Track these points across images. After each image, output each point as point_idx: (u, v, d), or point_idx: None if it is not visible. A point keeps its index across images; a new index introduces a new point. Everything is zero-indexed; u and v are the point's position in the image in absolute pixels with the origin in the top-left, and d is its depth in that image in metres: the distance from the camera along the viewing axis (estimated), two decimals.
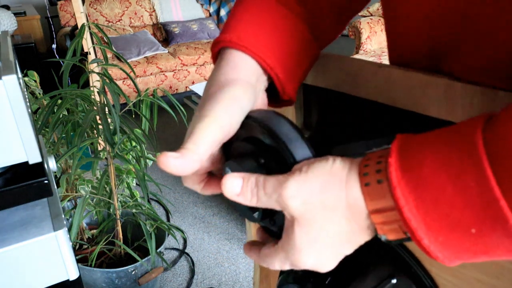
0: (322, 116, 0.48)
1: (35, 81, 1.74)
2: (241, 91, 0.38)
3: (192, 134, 0.36)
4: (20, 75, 0.74)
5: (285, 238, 0.34)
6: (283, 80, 0.41)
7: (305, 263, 0.33)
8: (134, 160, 1.50)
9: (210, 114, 0.36)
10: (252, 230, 0.68)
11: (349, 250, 0.34)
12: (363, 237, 0.33)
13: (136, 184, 1.61)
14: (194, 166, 0.36)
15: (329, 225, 0.32)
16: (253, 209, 0.37)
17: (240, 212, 0.39)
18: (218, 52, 0.43)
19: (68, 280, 0.69)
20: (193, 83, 3.69)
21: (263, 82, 0.42)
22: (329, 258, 0.34)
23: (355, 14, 0.51)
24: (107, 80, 1.33)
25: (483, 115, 0.27)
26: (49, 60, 1.53)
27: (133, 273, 1.57)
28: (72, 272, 0.69)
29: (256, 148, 0.36)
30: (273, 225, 0.38)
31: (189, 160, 0.35)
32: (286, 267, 0.35)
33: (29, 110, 0.68)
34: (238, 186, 0.35)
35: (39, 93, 1.71)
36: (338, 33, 0.51)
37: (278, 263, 0.35)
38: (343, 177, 0.31)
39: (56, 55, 2.96)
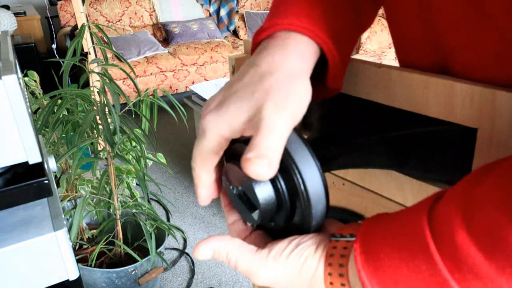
0: (322, 116, 0.48)
1: (35, 81, 1.74)
2: (309, 85, 0.35)
3: (269, 130, 0.31)
4: (20, 75, 0.74)
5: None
6: (339, 69, 0.39)
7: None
8: (134, 160, 1.50)
9: (288, 107, 0.32)
10: None
11: None
12: None
13: (136, 184, 1.61)
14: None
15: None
16: (251, 209, 0.37)
17: (239, 212, 0.39)
18: (264, 38, 0.39)
19: (68, 280, 0.69)
20: (193, 83, 3.69)
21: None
22: None
23: (362, 32, 0.49)
24: (107, 80, 1.33)
25: (431, 197, 0.30)
26: (49, 60, 1.53)
27: (133, 273, 1.57)
28: (72, 272, 0.69)
29: None
30: (272, 225, 0.38)
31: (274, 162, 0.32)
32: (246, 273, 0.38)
33: (29, 110, 0.68)
34: (208, 255, 0.37)
35: (39, 93, 1.71)
36: (375, 15, 0.50)
37: (244, 267, 0.37)
38: (310, 276, 0.34)
39: (56, 55, 2.96)
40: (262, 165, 0.30)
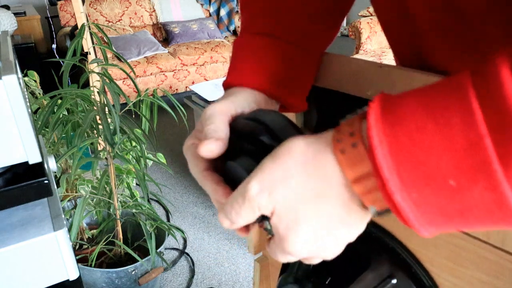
0: (322, 116, 0.48)
1: (35, 81, 1.74)
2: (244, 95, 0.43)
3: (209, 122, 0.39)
4: (20, 75, 0.74)
5: (274, 231, 0.33)
6: (290, 103, 0.45)
7: (295, 250, 0.32)
8: (134, 160, 1.50)
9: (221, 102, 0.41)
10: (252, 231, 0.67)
11: (346, 234, 0.31)
12: (355, 215, 0.30)
13: (136, 184, 1.61)
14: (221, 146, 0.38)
15: (305, 208, 0.30)
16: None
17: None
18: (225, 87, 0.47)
19: (68, 280, 0.69)
20: (193, 83, 3.69)
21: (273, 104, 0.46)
22: (321, 242, 0.31)
23: (343, 16, 0.51)
24: (107, 80, 1.33)
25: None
26: (49, 60, 1.53)
27: (133, 273, 1.57)
28: (72, 272, 0.69)
29: (256, 148, 0.36)
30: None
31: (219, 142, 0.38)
32: (288, 258, 0.34)
33: (29, 110, 0.68)
34: (224, 219, 0.35)
35: (39, 93, 1.71)
36: (332, 37, 0.51)
37: (279, 255, 0.34)
38: (309, 154, 0.29)
39: (56, 55, 2.96)
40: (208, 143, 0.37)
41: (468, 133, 0.23)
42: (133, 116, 1.44)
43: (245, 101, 0.42)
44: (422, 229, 0.26)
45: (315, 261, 0.34)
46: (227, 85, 0.46)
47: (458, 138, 0.23)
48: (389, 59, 3.44)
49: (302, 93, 0.47)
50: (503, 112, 0.21)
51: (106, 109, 1.32)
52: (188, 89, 3.65)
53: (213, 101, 0.45)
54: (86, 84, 1.54)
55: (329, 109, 0.49)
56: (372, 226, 0.46)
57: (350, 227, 0.31)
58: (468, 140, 0.23)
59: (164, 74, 3.59)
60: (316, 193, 0.29)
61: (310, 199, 0.30)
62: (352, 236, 0.32)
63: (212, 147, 0.37)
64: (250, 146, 0.37)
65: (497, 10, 0.33)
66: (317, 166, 0.29)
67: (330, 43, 0.51)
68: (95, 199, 1.57)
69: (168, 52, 3.73)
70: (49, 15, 3.51)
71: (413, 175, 0.24)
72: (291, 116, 0.54)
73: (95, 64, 1.38)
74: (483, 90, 0.23)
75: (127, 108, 1.44)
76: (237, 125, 0.39)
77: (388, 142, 0.25)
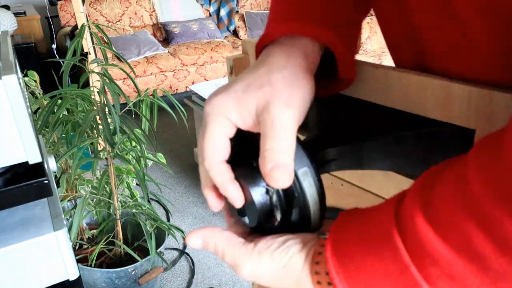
0: (319, 117, 0.48)
1: (35, 81, 1.74)
2: (313, 82, 0.37)
3: (279, 132, 0.32)
4: (20, 75, 0.75)
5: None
6: (347, 59, 0.40)
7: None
8: (134, 160, 1.50)
9: (293, 105, 0.33)
10: None
11: None
12: None
13: (136, 184, 1.61)
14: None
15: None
16: (241, 214, 0.37)
17: (237, 214, 0.39)
18: (267, 43, 0.40)
19: (68, 280, 0.69)
20: (193, 83, 3.69)
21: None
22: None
23: None
24: (107, 80, 1.33)
25: (400, 193, 0.32)
26: (49, 60, 1.54)
27: (133, 273, 1.57)
28: (72, 272, 0.69)
29: (251, 151, 0.36)
30: (270, 227, 0.38)
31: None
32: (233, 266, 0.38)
33: (29, 110, 0.68)
34: (198, 244, 0.38)
35: (39, 93, 1.71)
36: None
37: (229, 259, 0.37)
38: (296, 275, 0.34)
39: (56, 55, 2.96)
40: (284, 174, 0.32)
41: (397, 263, 0.29)
42: (133, 116, 1.44)
43: (281, 69, 0.35)
44: None
45: None
46: (267, 39, 0.39)
47: (391, 268, 0.29)
48: (389, 59, 3.44)
49: (353, 53, 0.42)
50: (419, 247, 0.27)
51: (106, 109, 1.32)
52: (188, 89, 3.65)
53: (219, 88, 0.36)
54: (86, 84, 1.54)
55: (326, 110, 0.49)
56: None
57: None
58: (398, 269, 0.28)
59: (164, 74, 3.59)
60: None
61: None
62: None
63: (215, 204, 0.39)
64: (245, 150, 0.36)
65: (491, 12, 0.34)
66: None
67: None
68: (95, 199, 1.57)
69: (168, 52, 3.73)
70: (49, 15, 3.51)
71: None
72: None
73: (95, 64, 1.38)
74: (403, 229, 0.29)
75: (127, 108, 1.44)
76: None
77: (342, 273, 0.31)
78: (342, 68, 0.40)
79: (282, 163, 0.32)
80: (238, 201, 0.36)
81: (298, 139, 0.35)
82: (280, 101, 0.33)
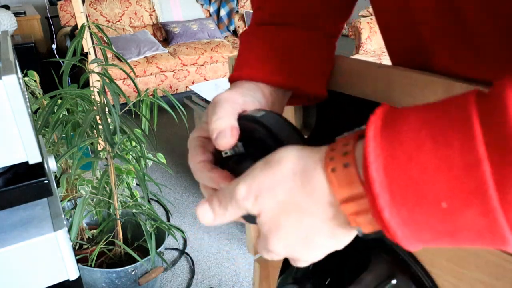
0: (321, 116, 0.48)
1: (35, 81, 1.74)
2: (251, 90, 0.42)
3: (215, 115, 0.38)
4: (20, 75, 0.74)
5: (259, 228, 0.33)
6: (307, 91, 0.44)
7: (276, 250, 0.32)
8: (134, 160, 1.50)
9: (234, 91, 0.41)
10: (252, 231, 0.68)
11: (329, 245, 0.31)
12: (339, 231, 0.30)
13: (136, 184, 1.61)
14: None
15: (287, 219, 0.30)
16: (249, 220, 0.37)
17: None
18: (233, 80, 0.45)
19: (68, 280, 0.69)
20: (193, 83, 3.69)
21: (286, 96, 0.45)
22: (301, 248, 0.31)
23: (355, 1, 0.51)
24: (107, 80, 1.33)
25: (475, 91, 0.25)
26: (49, 60, 1.53)
27: (133, 273, 1.57)
28: (72, 272, 0.69)
29: (255, 149, 0.36)
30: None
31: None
32: (270, 256, 0.34)
33: (29, 110, 0.68)
34: (208, 211, 0.34)
35: (39, 93, 1.71)
36: (344, 21, 0.51)
37: (263, 252, 0.34)
38: (299, 167, 0.29)
39: (56, 55, 2.96)
40: (221, 138, 0.37)
41: (466, 155, 0.22)
42: (133, 116, 1.44)
43: (251, 92, 0.41)
44: (410, 246, 0.26)
45: (300, 263, 0.34)
46: (233, 79, 0.44)
47: (455, 160, 0.22)
48: (389, 59, 3.44)
49: (320, 79, 0.45)
50: (504, 137, 0.21)
51: (106, 109, 1.32)
52: (188, 89, 3.65)
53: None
54: (86, 84, 1.54)
55: (328, 109, 0.49)
56: None
57: (333, 239, 0.31)
58: (465, 162, 0.22)
59: (164, 74, 3.59)
60: (301, 207, 0.29)
61: (293, 211, 0.30)
62: (336, 247, 0.32)
63: (228, 138, 0.37)
64: (249, 147, 0.37)
65: (493, 11, 0.34)
66: (305, 181, 0.29)
67: (341, 30, 0.50)
68: (95, 199, 1.57)
69: (168, 52, 3.73)
70: (49, 15, 3.51)
71: (405, 193, 0.24)
72: (291, 116, 0.54)
73: (95, 64, 1.38)
74: (486, 113, 0.22)
75: (127, 108, 1.44)
76: (239, 125, 0.39)
77: (384, 158, 0.25)
78: (308, 97, 0.45)
79: (220, 128, 0.37)
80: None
81: (302, 136, 0.35)
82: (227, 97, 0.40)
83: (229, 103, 0.39)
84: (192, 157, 0.40)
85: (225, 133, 0.37)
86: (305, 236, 0.30)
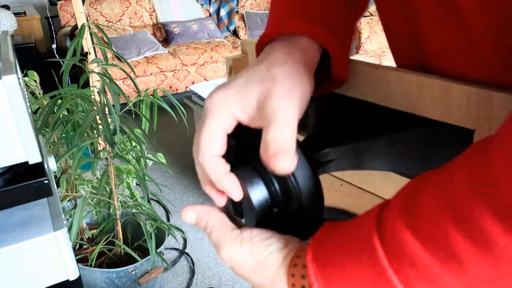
0: (318, 117, 0.48)
1: (35, 81, 1.74)
2: (313, 77, 0.37)
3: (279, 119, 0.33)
4: (20, 75, 0.75)
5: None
6: (342, 59, 0.40)
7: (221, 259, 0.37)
8: (134, 160, 1.50)
9: (295, 94, 0.34)
10: None
11: None
12: None
13: (136, 184, 1.61)
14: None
15: (246, 277, 0.36)
16: (240, 215, 0.37)
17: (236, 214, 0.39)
18: (267, 42, 0.41)
19: (68, 280, 0.69)
20: (193, 83, 3.69)
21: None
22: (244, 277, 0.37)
23: None
24: (107, 80, 1.33)
25: (381, 204, 0.32)
26: (49, 60, 1.54)
27: (133, 273, 1.57)
28: (72, 272, 0.69)
29: (251, 152, 0.36)
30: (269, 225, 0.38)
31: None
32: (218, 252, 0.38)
33: (29, 110, 0.68)
34: (192, 219, 0.38)
35: (39, 93, 1.71)
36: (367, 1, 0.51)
37: (215, 244, 0.38)
38: (271, 273, 0.34)
39: (56, 55, 2.97)
40: (287, 158, 0.31)
41: (375, 267, 0.28)
42: (133, 116, 1.44)
43: (259, 76, 0.35)
44: None
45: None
46: (268, 38, 0.40)
47: (369, 272, 0.29)
48: (389, 59, 3.44)
49: (347, 54, 0.43)
50: (398, 250, 0.27)
51: (106, 109, 1.32)
52: (188, 89, 3.65)
53: (220, 85, 0.37)
54: (86, 84, 1.54)
55: (326, 111, 0.49)
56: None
57: None
58: (376, 272, 0.28)
59: (164, 74, 3.59)
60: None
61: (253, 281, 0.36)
62: None
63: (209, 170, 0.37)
64: (247, 154, 0.36)
65: (493, 11, 0.34)
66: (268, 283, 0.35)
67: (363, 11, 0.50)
68: (95, 199, 1.57)
69: (168, 52, 3.73)
70: (49, 15, 3.51)
71: None
72: None
73: (95, 64, 1.38)
74: (383, 233, 0.29)
75: (127, 108, 1.44)
76: (236, 130, 0.37)
77: (322, 278, 0.31)
78: (336, 67, 0.40)
79: (285, 148, 0.31)
80: (236, 193, 0.35)
81: (297, 140, 0.35)
82: (282, 92, 0.33)
83: (218, 118, 0.34)
84: (207, 147, 0.35)
85: (206, 167, 0.35)
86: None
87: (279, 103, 0.33)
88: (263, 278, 0.34)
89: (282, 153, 0.31)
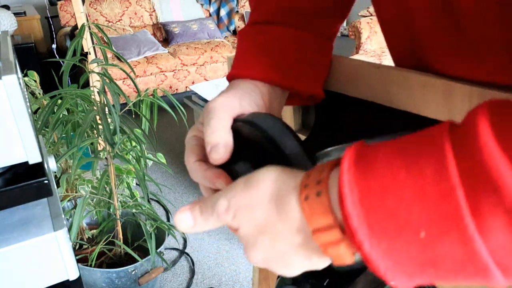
0: (320, 117, 0.48)
1: (35, 81, 1.74)
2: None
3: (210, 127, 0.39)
4: (20, 75, 0.75)
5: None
6: (304, 92, 0.44)
7: (254, 262, 0.32)
8: (134, 160, 1.50)
9: (229, 94, 0.41)
10: None
11: (304, 266, 0.31)
12: (314, 257, 0.29)
13: (136, 184, 1.61)
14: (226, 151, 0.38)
15: (263, 239, 0.30)
16: None
17: None
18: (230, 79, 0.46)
19: (68, 280, 0.69)
20: (193, 83, 3.69)
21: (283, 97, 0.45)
22: (280, 265, 0.31)
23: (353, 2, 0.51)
24: (107, 80, 1.33)
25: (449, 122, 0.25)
26: (49, 60, 1.53)
27: (133, 273, 1.57)
28: (72, 272, 0.69)
29: (254, 154, 0.36)
30: None
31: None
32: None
33: (29, 110, 0.68)
34: (188, 218, 0.34)
35: (39, 93, 1.71)
36: (340, 22, 0.51)
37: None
38: (276, 192, 0.29)
39: (56, 55, 2.96)
40: (215, 152, 0.37)
41: (440, 183, 0.22)
42: (133, 116, 1.44)
43: (248, 94, 0.41)
44: (394, 279, 0.25)
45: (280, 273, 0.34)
46: (231, 78, 0.44)
47: (430, 189, 0.22)
48: (389, 59, 3.44)
49: (315, 79, 0.45)
50: (477, 165, 0.21)
51: (106, 109, 1.32)
52: (188, 89, 3.65)
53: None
54: (86, 84, 1.54)
55: (327, 110, 0.49)
56: None
57: (310, 262, 0.30)
58: (440, 191, 0.22)
59: (164, 74, 3.59)
60: (276, 230, 0.29)
61: (269, 233, 0.30)
62: (314, 268, 0.31)
63: (221, 154, 0.37)
64: (248, 151, 0.37)
65: (492, 12, 0.34)
66: (280, 206, 0.29)
67: (336, 32, 0.50)
68: (95, 199, 1.57)
69: (168, 52, 3.73)
70: (49, 15, 3.51)
71: (383, 225, 0.24)
72: (290, 116, 0.55)
73: (95, 64, 1.38)
74: (459, 141, 0.22)
75: (127, 108, 1.44)
76: (235, 128, 0.39)
77: (359, 191, 0.24)
78: (304, 97, 0.45)
79: (214, 143, 0.37)
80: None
81: (298, 139, 0.35)
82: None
83: (224, 110, 0.39)
84: (188, 157, 0.41)
85: (218, 149, 0.37)
86: (281, 255, 0.30)
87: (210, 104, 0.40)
88: (264, 204, 0.30)
89: (214, 148, 0.37)
